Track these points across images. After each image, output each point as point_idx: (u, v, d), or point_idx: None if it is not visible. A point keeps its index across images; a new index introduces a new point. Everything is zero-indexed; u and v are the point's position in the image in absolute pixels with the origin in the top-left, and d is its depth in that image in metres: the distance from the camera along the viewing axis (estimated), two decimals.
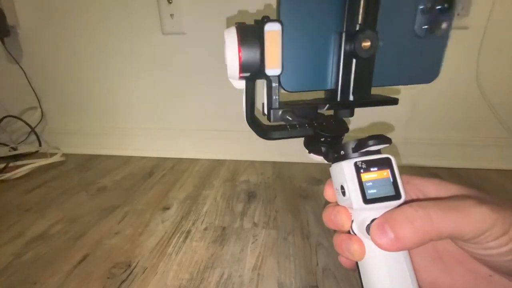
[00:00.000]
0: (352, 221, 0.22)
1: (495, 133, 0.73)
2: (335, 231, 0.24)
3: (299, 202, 0.59)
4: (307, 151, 0.27)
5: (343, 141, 0.23)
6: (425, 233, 0.17)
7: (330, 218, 0.22)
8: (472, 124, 0.74)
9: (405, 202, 0.20)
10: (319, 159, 0.26)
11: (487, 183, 0.67)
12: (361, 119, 0.76)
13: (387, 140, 0.21)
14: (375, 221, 0.19)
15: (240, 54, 0.21)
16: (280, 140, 0.25)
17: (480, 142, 0.74)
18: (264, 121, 0.26)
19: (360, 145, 0.21)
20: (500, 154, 0.74)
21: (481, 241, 0.18)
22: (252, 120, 0.26)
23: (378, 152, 0.22)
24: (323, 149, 0.25)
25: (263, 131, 0.26)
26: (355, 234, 0.21)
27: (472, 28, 0.66)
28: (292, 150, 0.78)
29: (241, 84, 0.25)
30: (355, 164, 0.21)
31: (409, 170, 0.74)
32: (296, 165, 0.77)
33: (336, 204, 0.23)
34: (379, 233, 0.18)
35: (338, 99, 0.23)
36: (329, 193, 0.24)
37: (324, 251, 0.45)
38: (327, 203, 0.25)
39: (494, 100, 0.70)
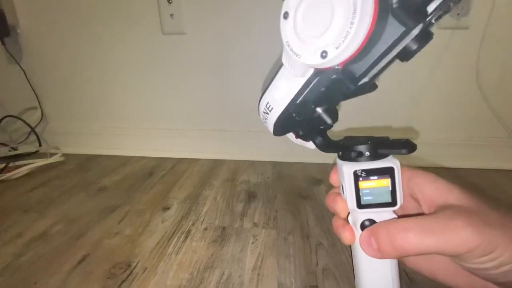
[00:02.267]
0: (349, 212, 0.23)
1: (495, 133, 0.73)
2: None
3: (299, 202, 0.59)
4: (294, 135, 0.25)
5: (354, 139, 0.22)
6: (403, 251, 0.19)
7: (330, 204, 0.25)
8: (472, 124, 0.74)
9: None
10: (307, 144, 0.25)
11: (487, 183, 0.67)
12: (361, 120, 0.76)
13: (413, 148, 0.20)
14: (364, 231, 0.21)
15: (369, 33, 0.14)
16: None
17: (480, 142, 0.74)
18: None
19: (383, 147, 0.21)
20: (500, 154, 0.74)
21: (463, 258, 0.18)
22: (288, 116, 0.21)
23: (386, 155, 0.21)
24: (318, 138, 0.23)
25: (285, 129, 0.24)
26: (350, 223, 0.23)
27: (472, 28, 0.66)
28: (292, 150, 0.78)
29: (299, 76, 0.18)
30: (355, 173, 0.20)
31: None
32: (296, 165, 0.77)
33: (339, 192, 0.24)
34: (366, 243, 0.21)
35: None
36: (334, 178, 0.25)
37: (324, 251, 0.45)
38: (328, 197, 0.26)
39: (494, 100, 0.70)
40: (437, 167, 0.75)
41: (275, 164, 0.79)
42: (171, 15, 0.73)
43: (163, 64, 0.79)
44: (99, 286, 0.39)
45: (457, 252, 0.18)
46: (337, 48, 0.14)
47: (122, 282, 0.39)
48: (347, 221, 0.24)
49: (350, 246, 0.24)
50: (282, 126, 0.22)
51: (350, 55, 0.14)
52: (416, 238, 0.19)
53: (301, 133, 0.24)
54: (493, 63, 0.68)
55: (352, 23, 0.13)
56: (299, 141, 0.25)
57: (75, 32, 0.80)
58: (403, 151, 0.19)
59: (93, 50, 0.81)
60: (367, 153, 0.20)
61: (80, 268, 0.42)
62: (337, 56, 0.14)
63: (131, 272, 0.41)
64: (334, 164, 0.24)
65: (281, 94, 0.20)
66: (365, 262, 0.23)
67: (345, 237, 0.23)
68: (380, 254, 0.20)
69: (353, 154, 0.21)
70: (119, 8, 0.76)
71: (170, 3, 0.72)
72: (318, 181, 0.69)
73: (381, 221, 0.21)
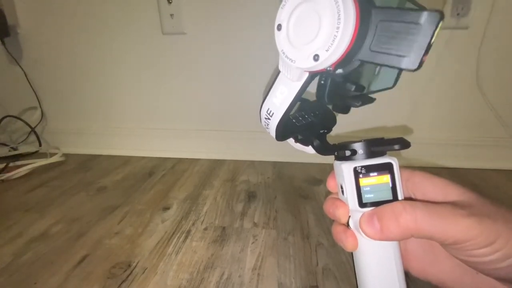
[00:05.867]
0: (349, 216, 0.22)
1: (495, 133, 0.73)
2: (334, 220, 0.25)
3: (299, 202, 0.59)
4: (293, 140, 0.25)
5: (347, 141, 0.23)
6: (407, 229, 0.19)
7: (329, 210, 0.24)
8: (472, 124, 0.74)
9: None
10: (306, 149, 0.25)
11: (487, 183, 0.67)
12: (360, 121, 0.76)
13: (407, 144, 0.20)
14: (366, 213, 0.21)
15: (355, 35, 0.15)
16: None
17: (480, 142, 0.74)
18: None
19: (377, 145, 0.21)
20: (500, 154, 0.74)
21: (463, 248, 0.18)
22: (287, 122, 0.23)
23: (383, 153, 0.21)
24: (316, 141, 0.24)
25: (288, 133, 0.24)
26: (351, 228, 0.23)
27: (472, 28, 0.66)
28: (292, 150, 0.78)
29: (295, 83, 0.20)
30: (355, 169, 0.21)
31: None
32: (296, 165, 0.77)
33: (337, 197, 0.24)
34: (367, 223, 0.20)
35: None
36: (331, 184, 0.25)
37: (324, 251, 0.45)
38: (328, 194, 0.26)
39: (494, 100, 0.70)
40: (437, 167, 0.75)
41: (275, 164, 0.79)
42: (171, 15, 0.73)
43: (163, 64, 0.79)
44: (99, 286, 0.39)
45: (458, 239, 0.18)
46: (327, 50, 0.16)
47: (122, 282, 0.39)
48: (348, 227, 0.23)
49: None
50: (284, 130, 0.23)
51: (340, 56, 0.16)
52: (422, 216, 0.18)
53: (300, 137, 0.25)
54: (493, 63, 0.68)
55: (338, 27, 0.15)
56: (299, 146, 0.26)
57: (75, 32, 0.80)
58: (396, 146, 0.20)
59: (93, 50, 0.81)
60: (363, 151, 0.21)
61: (80, 268, 0.42)
62: (328, 57, 0.16)
63: (131, 272, 0.41)
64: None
65: (280, 99, 0.21)
66: (370, 263, 0.22)
67: (348, 242, 0.22)
68: (381, 234, 0.19)
69: (349, 153, 0.21)
70: (119, 8, 0.76)
71: (170, 3, 0.72)
72: (318, 181, 0.68)
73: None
